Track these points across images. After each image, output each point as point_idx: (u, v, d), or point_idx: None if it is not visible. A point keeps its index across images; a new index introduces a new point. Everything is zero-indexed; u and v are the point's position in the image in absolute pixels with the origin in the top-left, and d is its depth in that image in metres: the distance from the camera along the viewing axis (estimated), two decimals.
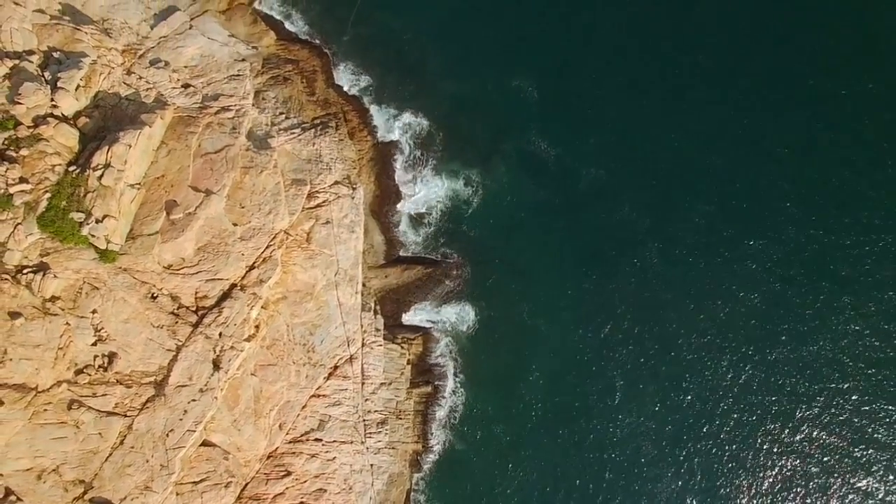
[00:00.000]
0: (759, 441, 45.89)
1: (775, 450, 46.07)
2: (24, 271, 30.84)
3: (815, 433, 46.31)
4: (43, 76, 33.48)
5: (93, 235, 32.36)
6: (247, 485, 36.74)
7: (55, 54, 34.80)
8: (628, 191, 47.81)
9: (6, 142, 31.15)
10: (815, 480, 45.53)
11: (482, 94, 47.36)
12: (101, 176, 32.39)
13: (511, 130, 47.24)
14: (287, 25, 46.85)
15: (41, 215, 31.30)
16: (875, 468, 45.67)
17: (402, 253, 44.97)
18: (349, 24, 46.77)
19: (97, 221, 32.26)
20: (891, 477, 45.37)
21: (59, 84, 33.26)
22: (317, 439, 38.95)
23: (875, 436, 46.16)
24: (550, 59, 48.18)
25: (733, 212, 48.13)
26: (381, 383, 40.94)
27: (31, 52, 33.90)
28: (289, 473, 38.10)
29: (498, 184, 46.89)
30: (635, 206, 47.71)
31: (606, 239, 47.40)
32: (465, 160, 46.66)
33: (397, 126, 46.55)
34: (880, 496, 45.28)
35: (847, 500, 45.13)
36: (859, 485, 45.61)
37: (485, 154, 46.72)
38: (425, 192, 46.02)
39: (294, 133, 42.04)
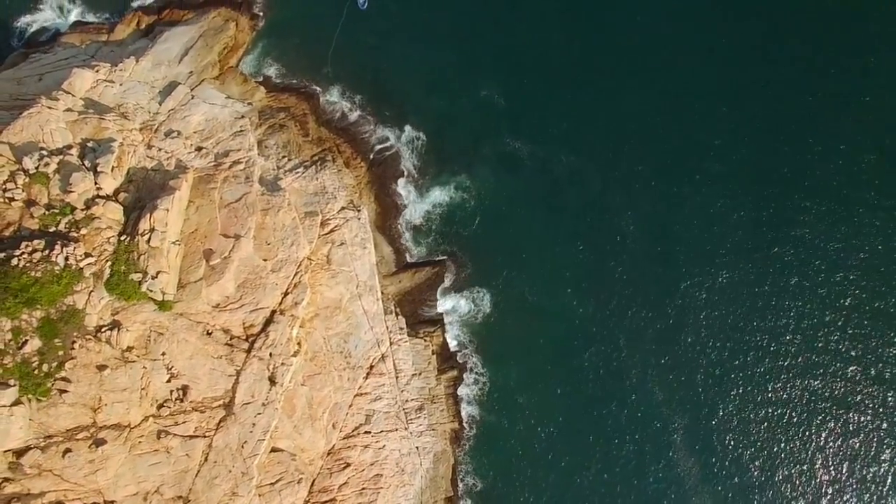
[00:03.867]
0: (736, 364, 51.82)
1: (756, 380, 52.02)
2: (102, 330, 36.49)
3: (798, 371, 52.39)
4: (84, 165, 39.15)
5: (150, 290, 38.04)
6: (314, 480, 42.50)
7: (89, 144, 40.49)
8: (599, 170, 53.65)
9: (67, 225, 36.83)
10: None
11: (456, 108, 53.14)
12: (149, 239, 38.07)
13: (487, 136, 53.04)
14: (273, 78, 52.54)
15: (107, 281, 36.94)
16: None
17: (409, 259, 50.72)
18: (328, 61, 52.24)
19: (152, 278, 37.94)
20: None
21: (98, 169, 38.94)
22: (366, 432, 44.66)
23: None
24: (510, 67, 54.04)
25: (692, 174, 53.99)
26: (413, 374, 46.67)
27: (69, 147, 39.56)
28: (348, 465, 43.84)
29: (483, 184, 52.56)
30: (607, 183, 53.56)
31: (587, 215, 53.21)
32: (450, 169, 52.38)
33: (386, 148, 52.22)
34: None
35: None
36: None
37: (467, 161, 52.43)
38: (420, 204, 51.77)
39: (298, 172, 47.84)
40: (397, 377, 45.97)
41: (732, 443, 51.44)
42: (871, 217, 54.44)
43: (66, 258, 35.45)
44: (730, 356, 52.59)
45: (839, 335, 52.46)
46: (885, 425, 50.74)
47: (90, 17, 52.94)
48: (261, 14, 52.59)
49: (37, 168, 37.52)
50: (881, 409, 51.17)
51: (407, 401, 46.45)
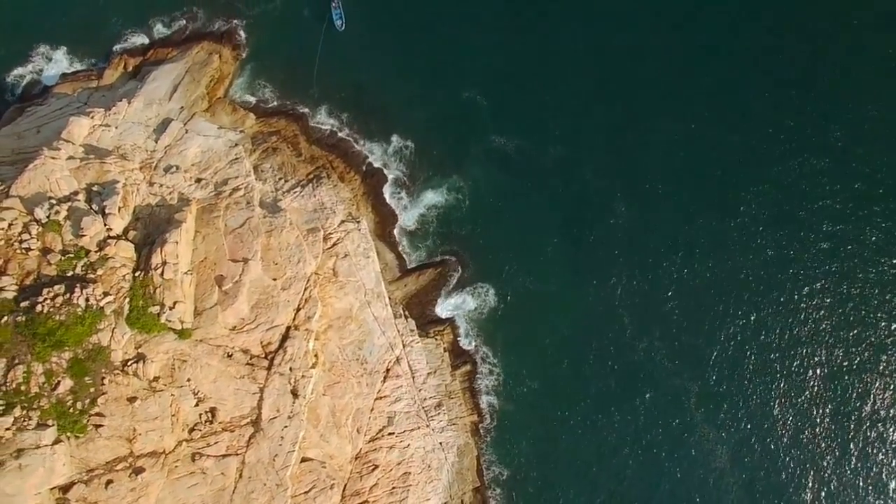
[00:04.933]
0: (741, 329, 53.60)
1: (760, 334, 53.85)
2: (128, 363, 38.09)
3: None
4: (92, 208, 40.76)
5: (169, 321, 39.64)
6: (346, 484, 44.15)
7: (94, 188, 42.09)
8: (585, 157, 55.29)
9: (83, 268, 38.42)
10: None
11: (440, 113, 54.79)
12: (162, 272, 39.67)
13: (473, 136, 54.71)
14: (261, 103, 54.14)
15: (127, 317, 38.51)
16: None
17: (412, 263, 52.41)
18: (313, 82, 53.88)
19: (170, 309, 39.54)
20: None
21: (106, 211, 40.52)
22: (390, 433, 46.32)
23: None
24: (487, 68, 55.65)
25: (676, 157, 55.74)
26: (428, 373, 48.35)
27: (76, 193, 41.16)
28: (376, 467, 45.49)
29: (475, 183, 54.22)
30: (595, 169, 55.25)
31: (578, 202, 54.92)
32: (441, 172, 54.05)
33: (377, 158, 53.90)
34: None
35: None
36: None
37: (457, 162, 54.10)
38: (416, 209, 53.43)
39: (296, 192, 49.50)
40: (413, 377, 47.60)
41: (745, 404, 53.12)
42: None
43: (87, 299, 37.05)
44: (734, 321, 54.32)
45: (845, 305, 54.32)
46: None
47: (77, 65, 54.38)
48: (242, 43, 54.20)
49: (48, 217, 39.12)
50: None
51: (425, 399, 48.10)
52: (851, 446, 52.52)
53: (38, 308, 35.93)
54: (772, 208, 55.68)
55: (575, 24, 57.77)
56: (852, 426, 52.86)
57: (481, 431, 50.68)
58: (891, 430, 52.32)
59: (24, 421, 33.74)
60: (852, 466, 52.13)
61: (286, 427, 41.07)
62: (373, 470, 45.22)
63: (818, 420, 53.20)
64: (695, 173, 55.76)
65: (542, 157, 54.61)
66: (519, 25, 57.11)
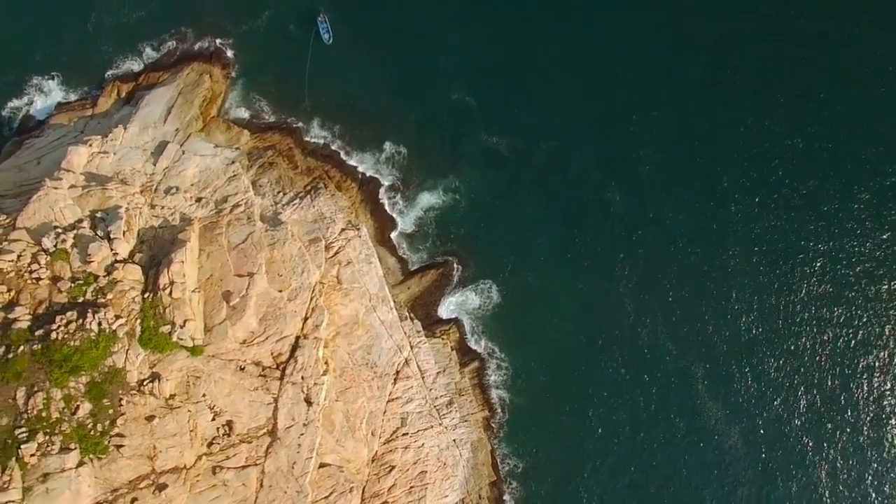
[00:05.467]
0: (741, 306, 54.93)
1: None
2: (144, 383, 38.90)
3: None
4: (97, 234, 41.60)
5: (181, 339, 40.48)
6: (364, 487, 44.98)
7: (98, 214, 42.91)
8: (576, 150, 56.23)
9: (93, 293, 39.27)
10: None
11: (431, 116, 55.67)
12: (170, 292, 40.51)
13: (465, 136, 55.61)
14: (254, 119, 54.88)
15: (140, 338, 39.35)
16: None
17: (414, 266, 53.24)
18: (305, 96, 54.73)
19: (180, 327, 40.36)
20: None
21: (111, 236, 41.35)
22: (404, 434, 47.17)
23: None
24: (473, 68, 56.61)
25: (668, 146, 56.89)
26: (437, 372, 49.18)
27: (80, 220, 41.97)
28: (393, 468, 46.33)
29: (470, 182, 55.10)
30: (588, 161, 56.21)
31: (573, 195, 55.86)
32: (436, 174, 54.90)
33: (373, 165, 54.72)
34: None
35: None
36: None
37: (451, 163, 54.99)
38: (414, 212, 54.27)
39: (295, 204, 50.34)
40: (423, 377, 48.42)
41: (750, 381, 54.05)
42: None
43: (100, 323, 37.88)
44: (733, 302, 55.35)
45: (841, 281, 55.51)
46: None
47: (72, 94, 55.01)
48: (231, 62, 55.00)
49: (55, 246, 39.94)
50: None
51: (436, 398, 48.93)
52: (860, 415, 53.49)
53: (53, 335, 36.75)
54: (766, 190, 56.60)
55: (557, 22, 58.59)
56: (857, 395, 53.83)
57: (494, 426, 51.51)
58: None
59: (48, 446, 34.59)
60: (863, 436, 53.11)
61: (302, 435, 41.89)
62: (390, 471, 46.05)
63: (823, 392, 54.11)
64: (687, 160, 56.69)
65: (534, 152, 55.49)
66: (502, 27, 57.99)
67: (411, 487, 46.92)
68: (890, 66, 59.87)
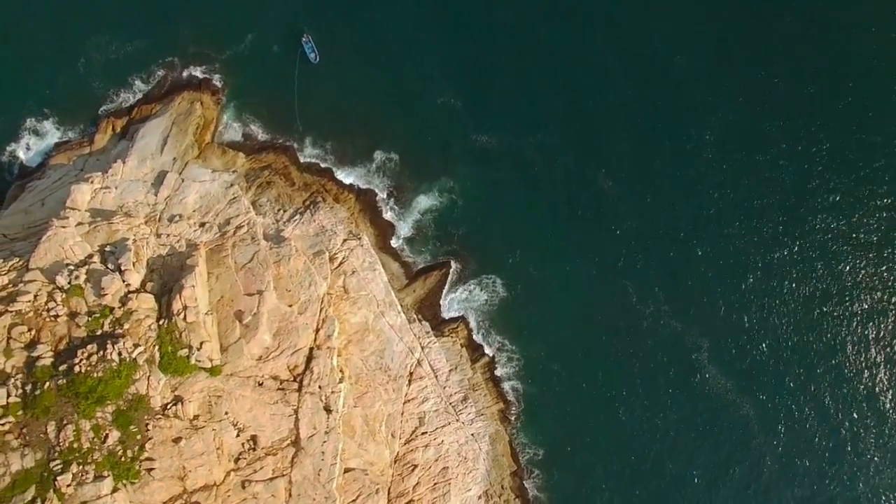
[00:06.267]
0: (737, 280, 56.56)
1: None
2: (168, 407, 40.20)
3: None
4: (108, 268, 42.88)
5: (199, 361, 41.75)
6: (390, 488, 46.26)
7: (107, 248, 44.16)
8: (564, 142, 57.46)
9: (111, 325, 40.52)
10: None
11: (420, 120, 56.74)
12: (185, 317, 41.77)
13: (454, 138, 56.80)
14: (248, 141, 56.04)
15: (160, 363, 40.63)
16: None
17: (416, 269, 54.47)
18: (296, 116, 55.90)
19: (197, 350, 41.65)
20: None
21: (122, 268, 42.59)
22: (423, 433, 48.48)
23: None
24: (456, 71, 57.62)
25: (652, 130, 58.39)
26: (450, 370, 50.47)
27: (91, 256, 43.24)
28: (415, 466, 47.62)
29: (464, 182, 56.31)
30: (576, 151, 57.57)
31: (565, 184, 57.13)
32: (429, 177, 56.10)
33: (367, 175, 55.90)
34: None
35: None
36: None
37: (442, 165, 56.18)
38: (411, 216, 55.50)
39: (296, 220, 51.60)
40: (436, 376, 49.70)
41: (754, 350, 55.33)
42: None
43: (120, 353, 39.13)
44: (731, 275, 56.84)
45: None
46: None
47: (69, 133, 55.58)
48: (220, 87, 56.13)
49: (69, 283, 41.18)
50: None
51: (451, 395, 50.20)
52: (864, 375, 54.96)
53: (76, 369, 38.00)
54: (750, 160, 58.02)
55: (534, 19, 59.88)
56: (863, 354, 55.22)
57: (510, 417, 52.80)
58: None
59: (83, 475, 35.91)
60: (874, 397, 54.64)
61: (325, 442, 43.16)
62: (413, 470, 47.33)
63: (829, 354, 55.56)
64: (671, 141, 57.94)
65: (523, 146, 56.71)
66: (481, 31, 59.28)
67: (435, 484, 48.20)
68: None
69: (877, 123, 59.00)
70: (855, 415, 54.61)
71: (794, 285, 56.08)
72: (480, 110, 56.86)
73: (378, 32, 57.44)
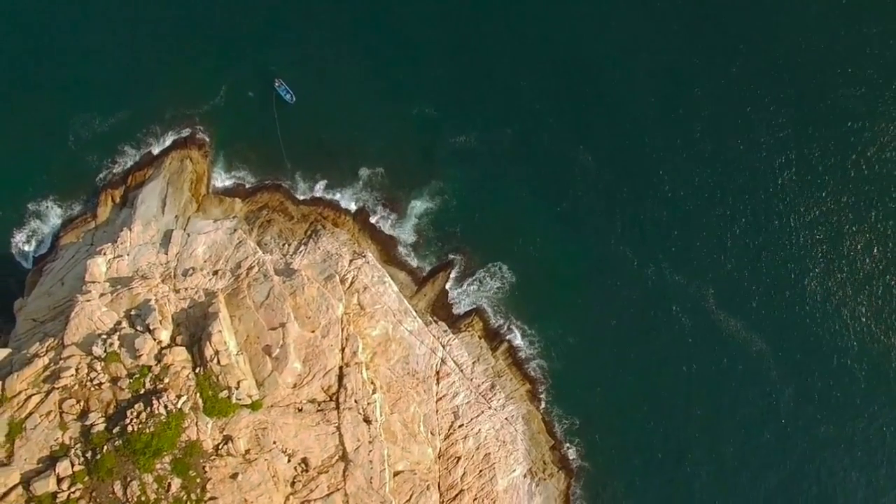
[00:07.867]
0: (739, 230, 59.24)
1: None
2: (220, 447, 42.75)
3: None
4: (138, 330, 45.48)
5: (239, 399, 44.24)
6: (439, 482, 48.75)
7: (133, 312, 46.69)
8: (541, 128, 59.89)
9: (151, 382, 43.09)
10: None
11: (400, 132, 59.19)
12: (218, 360, 44.30)
13: (435, 143, 59.23)
14: (242, 187, 58.46)
15: (204, 408, 43.18)
16: None
17: (423, 274, 56.89)
18: (283, 154, 58.31)
19: (236, 389, 44.21)
20: None
21: (150, 327, 45.17)
22: (460, 425, 50.96)
23: None
24: (425, 81, 60.05)
25: (623, 112, 60.90)
26: (473, 362, 52.95)
27: (119, 323, 45.80)
28: (459, 458, 50.11)
29: (453, 181, 58.71)
30: (554, 134, 59.87)
31: (549, 167, 59.66)
32: (419, 183, 58.49)
33: (359, 193, 58.28)
34: None
35: None
36: None
37: (430, 170, 58.62)
38: (409, 223, 57.91)
39: (301, 251, 54.08)
40: (461, 370, 52.16)
41: (759, 291, 57.83)
42: None
43: (166, 406, 41.64)
44: (724, 225, 59.61)
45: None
46: None
47: (71, 210, 57.71)
48: (206, 140, 58.56)
49: (105, 351, 43.69)
50: None
51: (479, 385, 52.69)
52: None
53: (129, 429, 40.49)
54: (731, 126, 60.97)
55: (490, 18, 62.45)
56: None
57: (539, 395, 55.14)
58: None
59: None
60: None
61: (371, 451, 45.67)
62: (457, 462, 49.81)
63: (836, 292, 58.51)
64: (644, 111, 60.61)
65: (501, 139, 59.23)
66: (442, 39, 61.94)
67: (480, 471, 50.68)
68: None
69: None
70: (864, 331, 57.01)
71: (785, 220, 58.60)
72: (454, 113, 59.27)
73: (344, 63, 59.83)
